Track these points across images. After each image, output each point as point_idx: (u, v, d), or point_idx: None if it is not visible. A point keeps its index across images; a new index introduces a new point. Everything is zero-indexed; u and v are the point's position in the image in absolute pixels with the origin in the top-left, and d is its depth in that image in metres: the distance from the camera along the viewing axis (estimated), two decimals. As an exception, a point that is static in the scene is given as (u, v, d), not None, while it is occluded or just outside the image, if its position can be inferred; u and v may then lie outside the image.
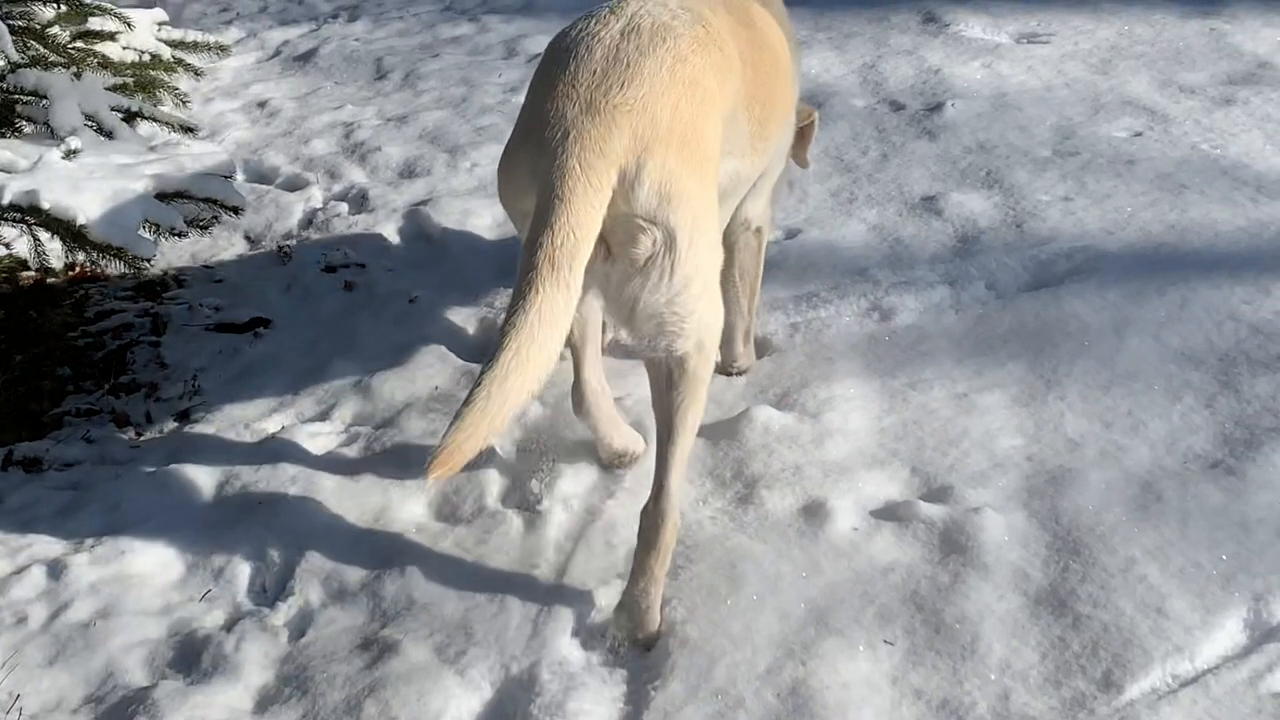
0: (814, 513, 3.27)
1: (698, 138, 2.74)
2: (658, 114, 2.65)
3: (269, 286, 4.84)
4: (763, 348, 4.10)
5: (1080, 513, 3.17)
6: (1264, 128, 5.25)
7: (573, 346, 3.40)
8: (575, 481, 3.50)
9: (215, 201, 3.64)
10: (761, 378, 3.93)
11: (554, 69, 2.75)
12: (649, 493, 2.97)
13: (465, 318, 4.43)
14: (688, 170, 2.68)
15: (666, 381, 2.91)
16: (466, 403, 2.44)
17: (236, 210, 3.71)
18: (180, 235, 3.46)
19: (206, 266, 5.04)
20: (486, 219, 5.16)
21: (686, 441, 2.95)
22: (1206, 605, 2.86)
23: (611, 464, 3.57)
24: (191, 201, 3.62)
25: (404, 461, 3.63)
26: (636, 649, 2.97)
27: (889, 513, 3.27)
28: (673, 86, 2.70)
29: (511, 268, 4.68)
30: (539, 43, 7.26)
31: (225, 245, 5.19)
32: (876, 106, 5.86)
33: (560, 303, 2.51)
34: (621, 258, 2.67)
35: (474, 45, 7.42)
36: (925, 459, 3.46)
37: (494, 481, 3.55)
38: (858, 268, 4.45)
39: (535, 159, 2.63)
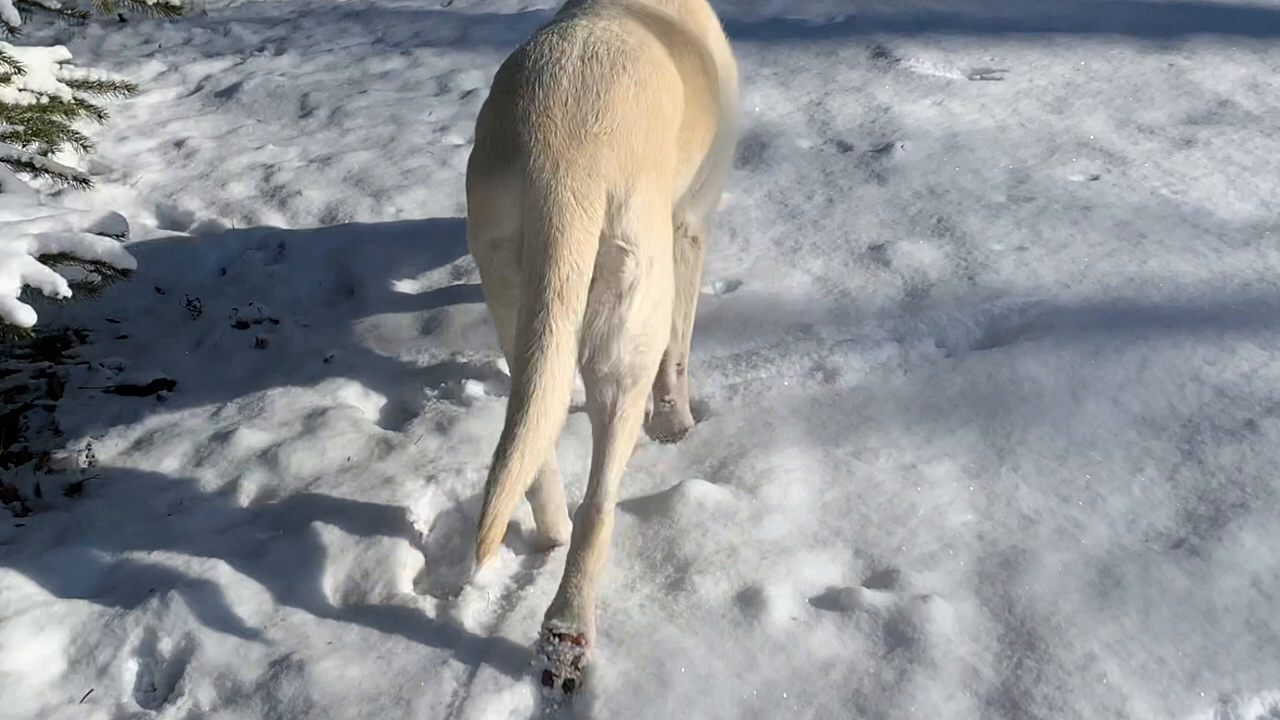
0: (750, 601, 3.09)
1: (664, 163, 2.90)
2: (634, 141, 2.77)
3: (176, 344, 4.63)
4: (699, 411, 3.94)
5: (1035, 600, 3.01)
6: (1225, 171, 5.14)
7: None
8: (493, 565, 3.31)
9: (103, 264, 3.44)
10: (697, 445, 3.76)
11: (518, 97, 2.81)
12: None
13: (383, 379, 4.23)
14: (659, 196, 2.84)
15: (614, 394, 2.94)
16: (501, 463, 2.51)
17: (125, 273, 3.50)
18: (64, 301, 3.26)
19: (111, 320, 4.83)
20: (410, 269, 4.97)
21: (628, 442, 3.01)
22: (1170, 707, 2.70)
23: (543, 549, 3.39)
24: (78, 264, 3.42)
25: (310, 542, 3.42)
26: (564, 649, 2.89)
27: (830, 601, 3.10)
28: (640, 113, 2.82)
29: (435, 322, 4.52)
30: (473, 78, 7.10)
31: (133, 296, 4.95)
32: (823, 147, 5.72)
33: (571, 336, 2.61)
34: (601, 282, 2.74)
35: (405, 81, 7.24)
36: (870, 539, 3.29)
37: (407, 565, 3.35)
38: (801, 324, 4.28)
39: (521, 188, 2.68)
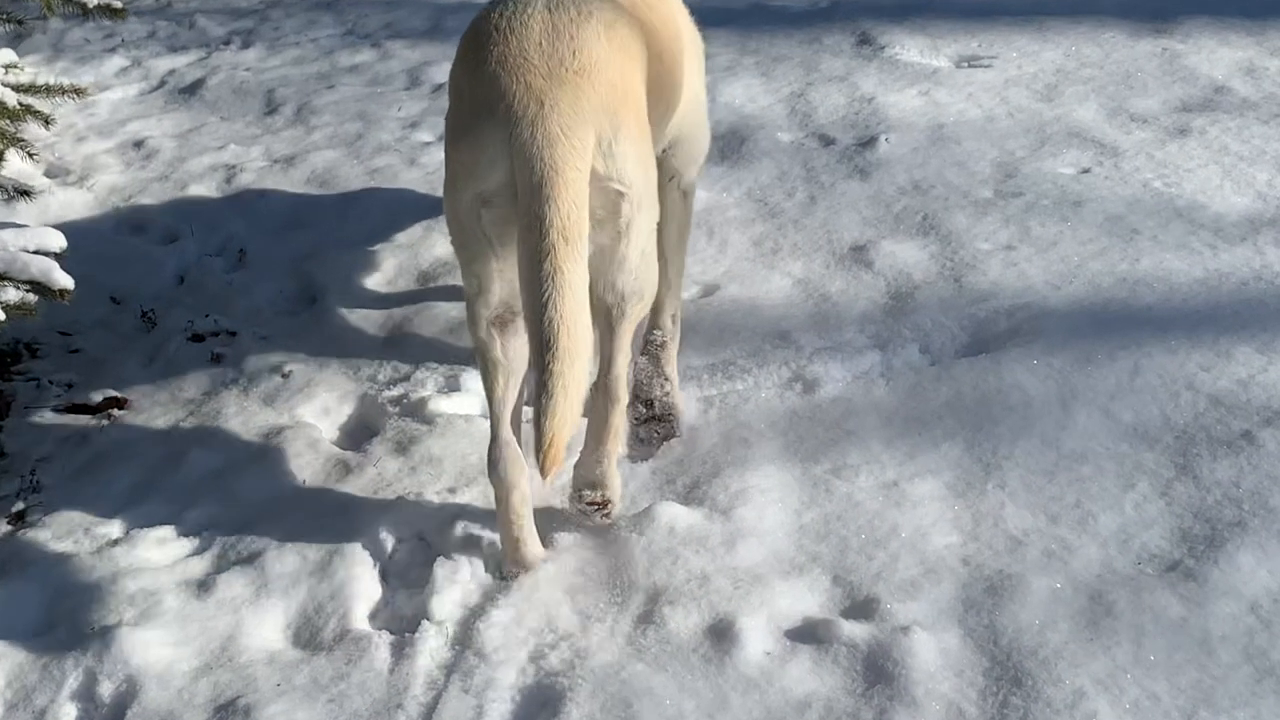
0: (722, 634, 2.97)
1: (639, 99, 3.00)
2: (613, 78, 2.87)
3: (129, 358, 4.49)
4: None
5: (1022, 631, 2.89)
6: (1221, 161, 5.02)
7: (492, 398, 3.20)
8: (452, 597, 3.19)
9: (38, 284, 3.31)
10: (669, 464, 3.63)
11: (492, 46, 2.87)
12: (598, 373, 3.26)
13: (343, 395, 4.11)
14: (640, 131, 2.95)
15: (620, 309, 3.15)
16: (546, 395, 2.64)
17: (63, 294, 3.38)
18: (-3, 324, 3.14)
19: (63, 333, 4.69)
20: (375, 275, 4.84)
21: (631, 332, 3.25)
22: (1164, 750, 2.59)
23: (508, 576, 3.27)
24: (12, 284, 3.29)
25: (261, 573, 3.31)
26: (594, 511, 3.33)
27: (807, 633, 2.97)
28: (613, 52, 2.92)
29: (399, 333, 4.40)
30: (445, 71, 6.88)
31: (87, 307, 4.78)
32: (805, 141, 5.59)
33: (581, 274, 2.70)
34: (599, 224, 2.87)
35: (374, 74, 7.09)
36: (849, 564, 3.17)
37: (362, 597, 3.23)
38: (780, 330, 4.16)
39: (506, 131, 2.75)
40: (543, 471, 2.70)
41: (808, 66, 6.43)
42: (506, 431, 3.21)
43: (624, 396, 3.30)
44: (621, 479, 3.40)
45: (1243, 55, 6.04)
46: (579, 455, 3.37)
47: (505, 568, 3.28)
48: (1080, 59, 6.19)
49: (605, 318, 3.17)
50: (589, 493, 3.33)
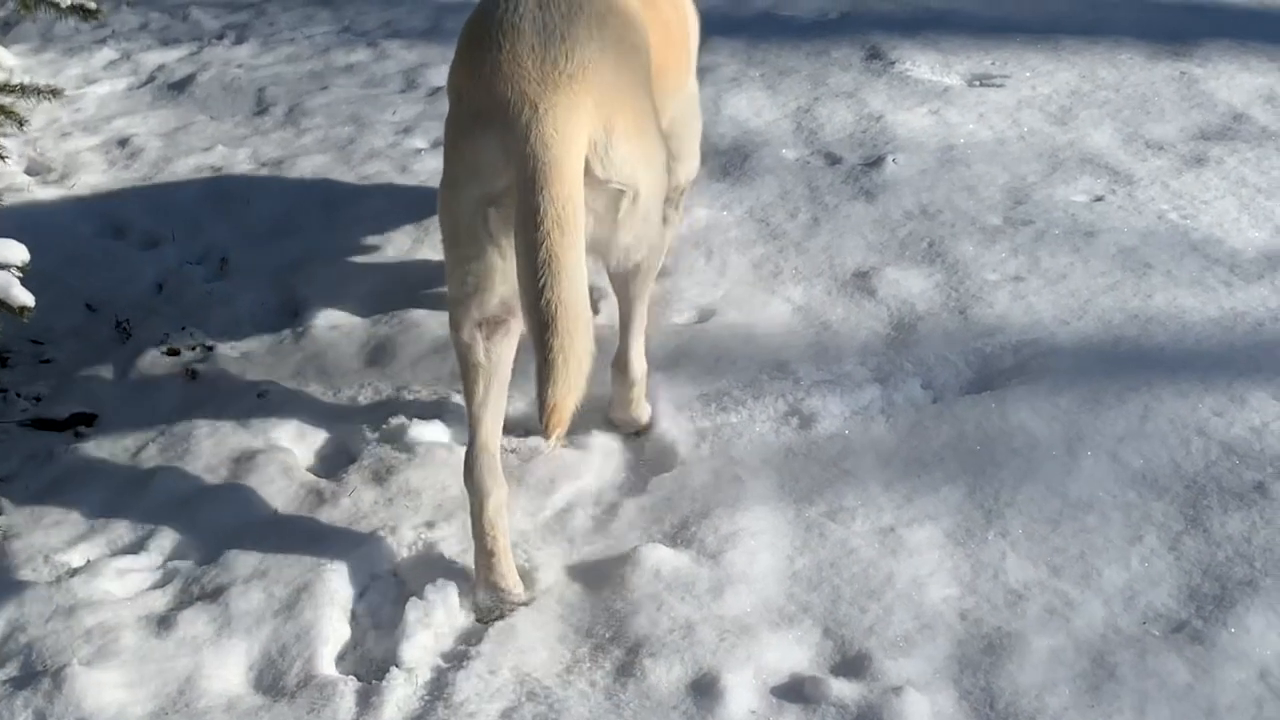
0: (705, 690, 2.87)
1: (639, 90, 3.06)
2: (606, 76, 2.89)
3: (101, 370, 4.38)
4: (665, 460, 3.70)
5: (1020, 695, 2.79)
6: (1239, 194, 4.90)
7: (472, 402, 3.19)
8: (424, 642, 3.09)
9: (-3, 298, 3.21)
10: (658, 501, 3.53)
11: (486, 52, 2.89)
12: (616, 350, 3.74)
13: (320, 418, 4.00)
14: (637, 125, 2.98)
15: (629, 277, 3.53)
16: (548, 367, 2.69)
17: (23, 311, 3.27)
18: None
19: (35, 342, 4.59)
20: (360, 289, 4.73)
21: (645, 308, 3.71)
22: (1167, 833, 2.49)
23: (485, 609, 3.19)
24: (-33, 298, 3.19)
25: (225, 610, 3.21)
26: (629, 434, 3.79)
27: (794, 691, 2.87)
28: (607, 47, 2.94)
29: (382, 352, 4.31)
30: (441, 74, 6.83)
31: (61, 314, 4.70)
32: (810, 159, 5.47)
33: (577, 263, 2.74)
34: (596, 219, 2.95)
35: (370, 75, 6.99)
36: (841, 616, 3.07)
37: (329, 639, 3.13)
38: (777, 360, 4.06)
39: (504, 137, 2.79)
40: (546, 433, 2.73)
41: (815, 81, 6.30)
42: (484, 438, 3.19)
43: (639, 374, 3.75)
44: (650, 405, 3.86)
45: (1264, 82, 5.92)
46: (610, 397, 3.80)
47: (477, 594, 3.20)
48: (1095, 81, 6.07)
49: (618, 290, 3.62)
50: (620, 427, 3.83)
